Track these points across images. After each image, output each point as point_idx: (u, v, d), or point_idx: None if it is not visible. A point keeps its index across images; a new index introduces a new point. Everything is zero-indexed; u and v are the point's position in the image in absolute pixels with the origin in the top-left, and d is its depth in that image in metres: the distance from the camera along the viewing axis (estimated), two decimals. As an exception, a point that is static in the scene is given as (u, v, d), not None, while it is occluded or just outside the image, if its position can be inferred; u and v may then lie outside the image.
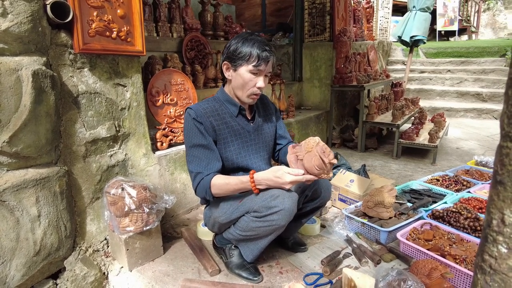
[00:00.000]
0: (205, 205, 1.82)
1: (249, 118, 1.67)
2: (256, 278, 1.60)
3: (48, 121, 1.54)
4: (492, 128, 5.46)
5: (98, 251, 1.84)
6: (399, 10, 11.77)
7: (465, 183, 2.63)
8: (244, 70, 1.50)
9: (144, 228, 1.70)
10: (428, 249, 1.71)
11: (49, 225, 1.59)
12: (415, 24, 5.68)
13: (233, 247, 1.68)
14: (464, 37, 13.77)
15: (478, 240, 1.78)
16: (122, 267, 1.76)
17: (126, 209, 1.62)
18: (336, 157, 2.75)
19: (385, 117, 4.15)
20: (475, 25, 14.12)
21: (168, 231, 2.13)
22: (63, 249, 1.68)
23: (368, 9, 5.67)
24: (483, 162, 3.24)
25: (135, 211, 1.64)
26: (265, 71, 1.53)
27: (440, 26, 12.62)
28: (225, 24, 3.69)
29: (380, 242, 1.95)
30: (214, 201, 1.67)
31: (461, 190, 2.55)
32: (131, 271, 1.72)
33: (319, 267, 1.74)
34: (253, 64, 1.48)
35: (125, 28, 1.80)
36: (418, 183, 2.66)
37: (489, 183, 2.66)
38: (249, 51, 1.47)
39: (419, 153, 3.93)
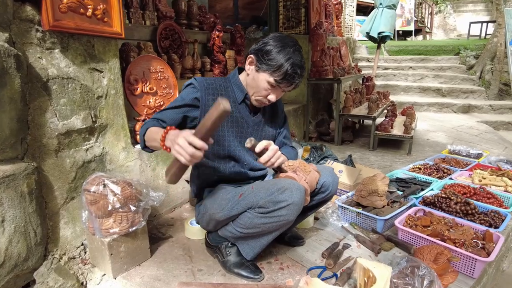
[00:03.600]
0: (197, 200, 1.67)
1: (251, 110, 1.54)
2: (257, 276, 1.48)
3: (13, 108, 1.32)
4: (454, 121, 5.75)
5: (74, 258, 1.63)
6: (361, 10, 12.16)
7: (445, 170, 2.69)
8: (265, 78, 1.37)
9: (130, 229, 1.52)
10: (428, 235, 1.68)
11: (15, 231, 1.36)
12: (382, 20, 5.83)
13: (230, 244, 1.55)
14: (419, 37, 14.51)
15: (472, 224, 1.79)
16: (104, 274, 1.56)
17: (109, 208, 1.43)
18: (321, 148, 2.70)
19: (360, 110, 4.19)
20: (429, 26, 14.94)
21: (152, 231, 1.95)
22: (33, 258, 1.46)
23: (337, 5, 5.74)
24: (456, 151, 3.35)
25: (120, 210, 1.46)
26: (284, 89, 1.42)
27: (398, 26, 13.21)
28: (199, 14, 3.51)
29: (376, 231, 1.91)
30: (198, 189, 1.59)
31: (443, 177, 2.59)
32: (115, 278, 1.53)
33: (320, 260, 1.66)
34: (276, 78, 1.35)
35: (101, 6, 1.61)
36: (402, 172, 2.67)
37: (466, 170, 2.74)
38: (280, 63, 1.31)
39: (394, 144, 4.00)
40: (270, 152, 1.30)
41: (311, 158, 2.62)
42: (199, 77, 1.46)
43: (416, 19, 14.22)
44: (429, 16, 15.13)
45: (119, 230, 1.47)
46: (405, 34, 14.13)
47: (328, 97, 4.88)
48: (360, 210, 1.97)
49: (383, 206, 2.04)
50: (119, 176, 1.61)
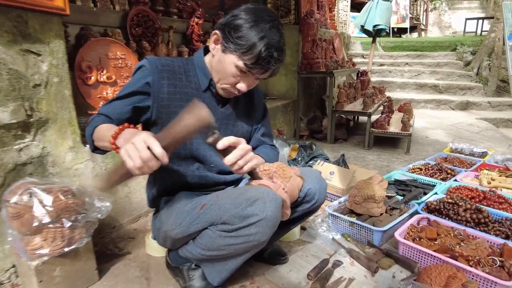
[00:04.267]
0: (153, 211, 1.37)
1: (219, 100, 1.24)
2: (226, 307, 1.18)
3: None
4: (452, 118, 5.51)
5: (2, 284, 1.32)
6: (355, 6, 11.92)
7: (449, 171, 2.41)
8: (232, 61, 1.07)
9: (66, 249, 1.21)
10: (435, 251, 1.40)
11: None
12: (377, 13, 5.56)
13: (193, 266, 1.25)
14: (415, 35, 14.31)
15: (486, 236, 1.51)
16: (37, 304, 1.26)
17: (35, 223, 1.12)
18: (311, 147, 2.41)
19: (354, 106, 3.91)
20: (424, 23, 14.75)
21: (107, 247, 1.65)
22: None
23: (330, -3, 5.46)
24: (458, 149, 3.08)
25: (50, 225, 1.15)
26: (257, 76, 1.11)
27: (393, 23, 12.97)
28: (179, 1, 3.20)
29: (373, 244, 1.62)
30: (153, 197, 1.30)
31: (447, 178, 2.32)
32: (49, 309, 1.22)
33: (305, 282, 1.37)
34: (246, 62, 1.05)
35: (34, -29, 1.30)
36: (401, 173, 2.39)
37: (472, 170, 2.47)
38: (252, 43, 1.02)
39: (391, 142, 3.73)
40: (238, 152, 0.99)
41: (299, 158, 2.33)
42: (152, 57, 1.16)
43: (411, 16, 14.01)
44: (424, 13, 14.94)
45: (51, 250, 1.17)
46: (400, 31, 13.92)
47: (320, 93, 4.59)
48: (354, 220, 1.69)
49: (381, 214, 1.76)
50: (57, 182, 1.30)
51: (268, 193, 1.01)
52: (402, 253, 1.52)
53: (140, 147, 0.79)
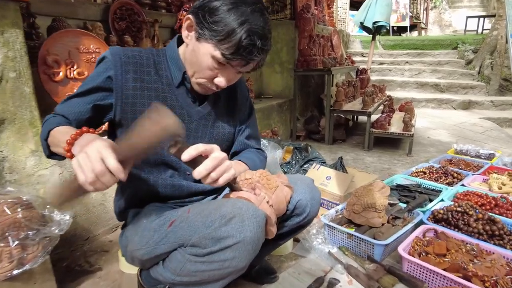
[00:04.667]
0: (122, 225, 1.19)
1: (196, 97, 1.06)
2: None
3: None
4: (454, 117, 5.34)
5: None
6: (354, 5, 11.75)
7: (455, 175, 2.23)
8: (208, 50, 0.89)
9: (16, 271, 1.03)
10: (444, 269, 1.22)
11: None
12: (377, 9, 5.39)
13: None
14: (415, 33, 14.16)
15: (502, 251, 1.33)
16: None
17: (-27, 243, 0.95)
18: (306, 149, 2.24)
19: (354, 105, 3.74)
20: (424, 22, 14.59)
21: (77, 262, 1.47)
22: None
23: (328, -7, 5.28)
24: (463, 151, 2.91)
25: (-7, 245, 0.98)
26: (238, 69, 0.93)
27: (393, 21, 12.80)
28: (168, -6, 3.03)
29: (374, 259, 1.45)
30: (120, 209, 1.12)
31: (453, 183, 2.14)
32: None
33: (297, 305, 1.20)
34: (224, 52, 0.86)
35: None
36: (403, 177, 2.22)
37: (480, 174, 2.30)
38: (231, 28, 0.84)
39: (391, 143, 3.56)
40: (210, 162, 0.81)
41: (293, 161, 2.16)
42: (116, 47, 0.98)
43: (411, 14, 13.85)
44: (424, 12, 14.79)
45: (-5, 274, 0.99)
46: (400, 30, 13.75)
47: (318, 92, 4.42)
48: (352, 231, 1.51)
49: (382, 224, 1.58)
50: (14, 192, 1.13)
51: (248, 208, 0.83)
52: (407, 270, 1.34)
53: (93, 159, 0.66)
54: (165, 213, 1.00)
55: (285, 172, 2.08)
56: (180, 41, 1.04)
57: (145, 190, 1.07)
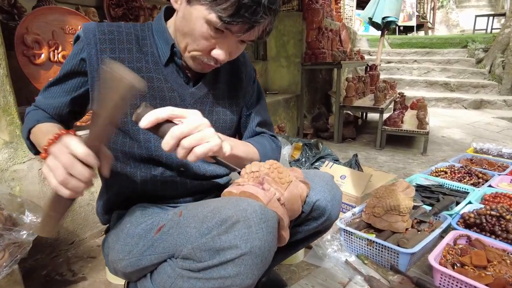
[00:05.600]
0: (105, 229, 1.01)
1: (189, 76, 0.88)
2: None
3: None
4: (466, 117, 5.14)
5: None
6: (360, 4, 11.57)
7: (480, 175, 2.03)
8: (201, 14, 0.70)
9: (-27, 284, 0.85)
10: (488, 285, 1.03)
11: None
12: (386, 4, 5.20)
13: (157, 305, 0.88)
14: (421, 33, 13.95)
15: (551, 262, 1.14)
16: None
17: None
18: (317, 146, 2.05)
19: (364, 102, 3.54)
20: (431, 21, 14.37)
21: (58, 270, 1.29)
22: None
23: (336, -13, 5.10)
24: (484, 150, 2.71)
25: None
26: (240, 36, 0.73)
27: (399, 21, 12.59)
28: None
29: (399, 270, 1.25)
30: (103, 210, 0.96)
31: (478, 184, 1.95)
32: None
33: (312, 325, 1.01)
34: (221, 13, 0.67)
35: None
36: (423, 177, 2.02)
37: (507, 174, 2.10)
38: None
39: (404, 142, 3.37)
40: (179, 128, 0.63)
41: (303, 159, 1.97)
42: (90, 23, 0.80)
43: (418, 14, 13.64)
44: (432, 11, 14.57)
45: None
46: (406, 30, 13.54)
47: (326, 88, 4.23)
48: (373, 238, 1.32)
49: (406, 230, 1.39)
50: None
51: (255, 209, 0.64)
52: (440, 284, 1.15)
53: (59, 154, 0.57)
54: (153, 216, 0.82)
55: (294, 170, 1.89)
56: (169, 14, 0.86)
57: (131, 188, 0.89)
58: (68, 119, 0.87)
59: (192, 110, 0.67)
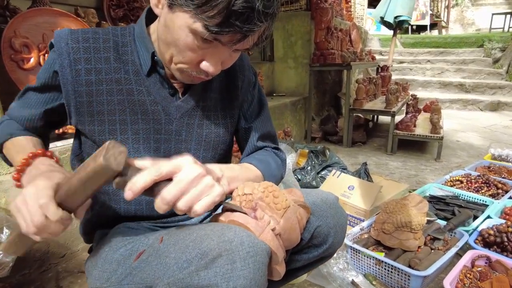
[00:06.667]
0: (89, 248, 0.94)
1: (175, 87, 0.78)
2: None
3: None
4: (483, 119, 4.95)
5: None
6: (372, 3, 11.37)
7: (499, 185, 1.90)
8: (184, 23, 0.60)
9: None
10: (511, 317, 0.92)
11: None
12: (399, 3, 5.04)
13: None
14: (435, 32, 13.64)
15: None
16: None
17: None
18: (324, 153, 1.94)
19: (375, 104, 3.42)
20: (445, 20, 14.04)
21: (45, 287, 1.23)
22: None
23: (346, -14, 4.97)
24: (503, 156, 2.56)
25: None
26: (231, 46, 0.63)
27: (412, 20, 12.33)
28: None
29: (410, 293, 1.15)
30: (86, 229, 0.89)
31: (497, 195, 1.82)
32: None
33: None
34: (208, 22, 0.57)
35: None
36: (436, 187, 1.90)
37: (529, 184, 1.95)
38: None
39: (417, 146, 3.23)
40: (172, 189, 0.55)
41: (309, 167, 1.87)
42: (63, 30, 0.72)
43: (431, 12, 13.33)
44: (446, 10, 14.24)
45: None
46: (418, 29, 13.26)
47: (335, 90, 4.11)
48: (381, 257, 1.21)
49: (419, 248, 1.28)
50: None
51: (242, 241, 0.55)
52: (456, 313, 1.04)
53: (31, 208, 0.53)
54: (134, 240, 0.73)
55: (298, 180, 1.79)
56: (153, 15, 0.77)
57: (113, 209, 0.80)
58: (43, 130, 0.80)
59: (182, 158, 0.58)
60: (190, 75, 0.70)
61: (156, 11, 0.67)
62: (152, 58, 0.73)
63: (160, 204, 0.55)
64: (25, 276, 1.25)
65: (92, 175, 0.52)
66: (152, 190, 0.55)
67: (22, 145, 0.71)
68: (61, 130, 1.32)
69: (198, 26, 0.59)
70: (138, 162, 0.57)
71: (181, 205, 0.55)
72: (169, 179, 0.57)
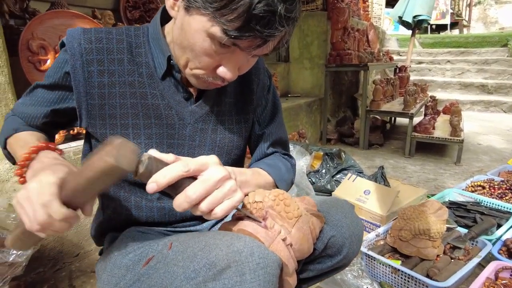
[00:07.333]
0: (100, 250, 0.94)
1: (190, 92, 0.76)
2: None
3: None
4: (506, 121, 4.79)
5: None
6: (389, 2, 11.16)
7: (524, 191, 1.82)
8: (201, 26, 0.58)
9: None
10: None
11: None
12: (418, 2, 4.94)
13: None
14: (455, 31, 13.28)
15: None
16: None
17: None
18: (339, 155, 1.90)
19: (392, 106, 3.34)
20: (466, 19, 13.64)
21: (59, 285, 1.24)
22: None
23: (364, -15, 4.88)
24: (528, 161, 2.45)
25: None
26: (250, 51, 0.61)
27: (431, 19, 12.03)
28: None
29: (428, 305, 1.10)
30: (97, 232, 0.88)
31: (522, 202, 1.74)
32: None
33: None
34: (227, 26, 0.55)
35: None
36: (457, 192, 1.83)
37: (556, 191, 1.86)
38: None
39: (435, 149, 3.14)
40: (197, 188, 0.53)
41: (323, 170, 1.83)
42: (75, 29, 0.69)
43: (452, 11, 12.97)
44: (467, 8, 13.83)
45: None
46: (438, 29, 12.93)
47: (352, 91, 4.04)
48: (398, 265, 1.17)
49: (437, 256, 1.23)
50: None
51: (252, 252, 0.53)
52: (478, 327, 0.99)
53: (35, 204, 0.51)
54: (144, 245, 0.72)
55: (312, 183, 1.75)
56: (167, 15, 0.75)
57: (124, 214, 0.79)
58: (47, 129, 0.78)
59: (208, 157, 0.57)
60: (206, 81, 0.68)
61: (172, 13, 0.65)
62: (168, 62, 0.71)
63: (183, 202, 0.52)
64: (39, 274, 1.27)
65: (100, 175, 0.50)
66: (174, 186, 0.53)
67: (25, 139, 0.69)
68: (75, 131, 1.33)
69: (217, 30, 0.56)
70: (162, 155, 0.55)
71: (204, 205, 0.53)
72: (192, 177, 0.55)
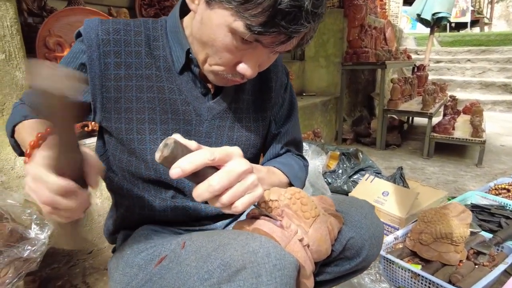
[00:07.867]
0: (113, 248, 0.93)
1: (208, 87, 0.74)
2: None
3: None
4: (530, 123, 4.60)
5: None
6: (406, 1, 10.94)
7: (552, 195, 1.73)
8: (223, 21, 0.56)
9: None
10: None
11: None
12: (437, -1, 4.80)
13: None
14: (476, 29, 12.91)
15: None
16: None
17: None
18: (356, 155, 1.85)
19: (411, 105, 3.26)
20: (488, 16, 13.25)
21: (73, 282, 1.24)
22: None
23: (381, -18, 4.78)
24: (555, 164, 2.34)
25: None
26: (273, 48, 0.58)
27: (451, 17, 11.73)
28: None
29: (451, 312, 1.05)
30: (110, 230, 0.87)
31: (550, 206, 1.65)
32: None
33: None
34: (250, 21, 0.53)
35: None
36: (480, 195, 1.76)
37: None
38: None
39: (455, 150, 3.04)
40: (220, 178, 0.50)
41: (340, 171, 1.79)
42: (93, 20, 0.68)
43: (472, 8, 12.62)
44: (489, 5, 13.44)
45: None
46: (458, 27, 12.59)
47: (368, 90, 3.96)
48: (418, 270, 1.12)
49: (460, 262, 1.18)
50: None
51: (268, 253, 0.51)
52: (505, 338, 0.94)
53: (35, 189, 0.47)
54: (156, 244, 0.71)
55: (328, 184, 1.71)
56: (186, 8, 0.73)
57: (137, 212, 0.78)
58: None
59: (232, 148, 0.54)
60: (225, 77, 0.65)
61: (192, 6, 0.63)
62: (187, 55, 0.69)
63: (205, 191, 0.50)
64: (54, 270, 1.27)
65: (54, 113, 0.42)
66: (196, 174, 0.50)
67: (34, 127, 0.65)
68: (90, 128, 1.33)
69: (239, 25, 0.54)
70: (186, 141, 0.51)
71: (226, 198, 0.50)
72: (214, 167, 0.52)
